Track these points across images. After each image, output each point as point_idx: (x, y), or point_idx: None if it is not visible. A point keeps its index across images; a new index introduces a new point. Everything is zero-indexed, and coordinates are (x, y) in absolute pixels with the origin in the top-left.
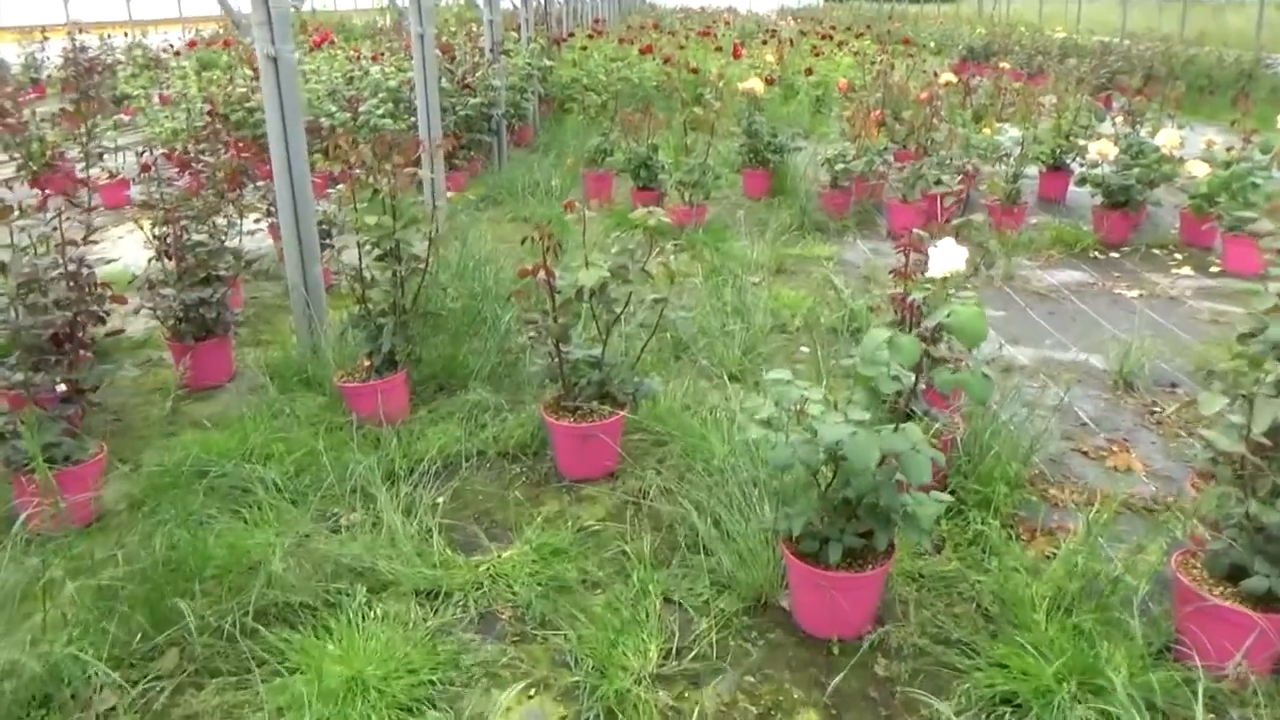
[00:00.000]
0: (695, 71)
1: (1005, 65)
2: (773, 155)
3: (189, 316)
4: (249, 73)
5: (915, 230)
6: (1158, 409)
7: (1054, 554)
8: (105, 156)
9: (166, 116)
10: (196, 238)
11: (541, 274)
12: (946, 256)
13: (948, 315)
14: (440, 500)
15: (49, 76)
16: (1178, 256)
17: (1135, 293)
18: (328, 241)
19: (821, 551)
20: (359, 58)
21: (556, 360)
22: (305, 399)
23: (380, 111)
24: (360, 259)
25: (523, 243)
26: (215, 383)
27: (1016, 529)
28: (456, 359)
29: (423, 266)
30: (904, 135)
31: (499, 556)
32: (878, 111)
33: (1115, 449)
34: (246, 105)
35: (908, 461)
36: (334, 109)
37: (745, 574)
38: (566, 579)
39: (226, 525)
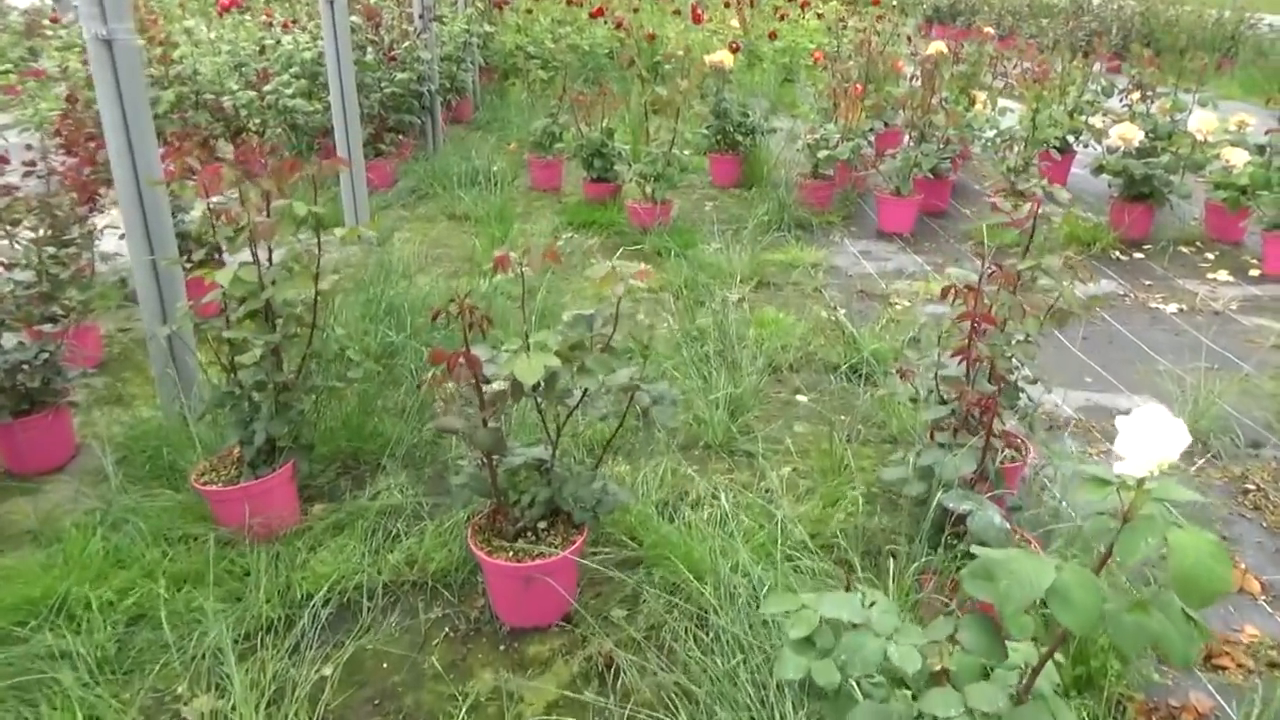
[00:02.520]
0: (652, 38)
1: (989, 30)
2: (743, 137)
3: (4, 386)
4: (145, 44)
5: (971, 276)
6: (1251, 486)
7: None
8: None
9: (42, 97)
10: (20, 276)
11: (463, 364)
12: (1153, 438)
13: (1159, 546)
14: (327, 673)
15: None
16: (1209, 256)
17: (1174, 307)
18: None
19: None
20: (271, 24)
21: (487, 473)
22: (160, 497)
23: (290, 90)
24: (227, 314)
25: (433, 319)
26: (49, 467)
27: (1123, 708)
28: (364, 430)
29: (308, 328)
30: (892, 114)
31: None
32: (859, 86)
33: None
34: None
35: None
36: (236, 87)
37: None
38: None
39: None
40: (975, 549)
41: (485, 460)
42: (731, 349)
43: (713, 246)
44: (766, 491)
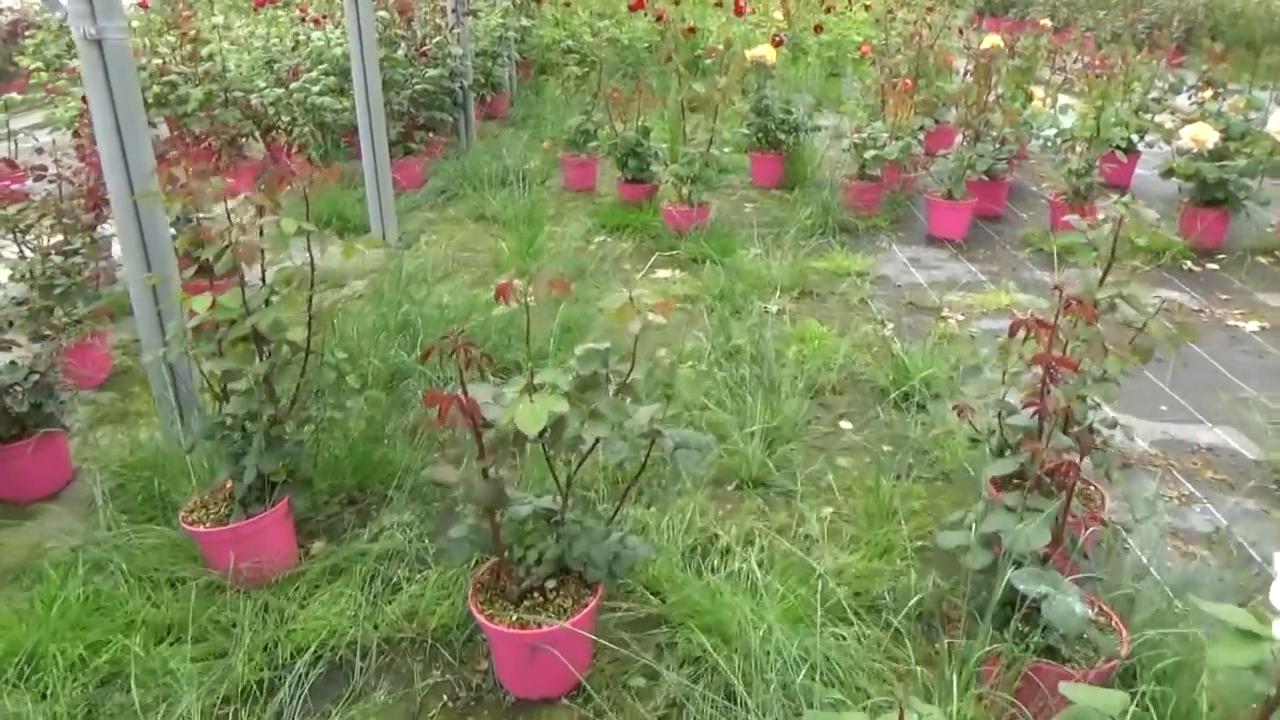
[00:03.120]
0: (693, 32)
1: (1046, 22)
2: (786, 136)
3: None
4: (176, 40)
5: (1040, 302)
6: None
7: None
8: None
9: (72, 95)
10: (12, 291)
11: (458, 409)
12: None
13: None
14: None
15: None
16: None
17: (1255, 325)
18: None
19: None
20: (304, 19)
21: (489, 527)
22: (150, 533)
23: (318, 88)
24: (219, 340)
25: (423, 360)
26: (42, 495)
27: None
28: (370, 459)
29: (301, 355)
30: (943, 112)
31: None
32: (908, 81)
33: None
34: (167, 79)
35: None
36: (263, 85)
37: None
38: None
39: None
40: (1066, 689)
41: (485, 517)
42: (770, 371)
43: (752, 252)
44: (806, 538)
